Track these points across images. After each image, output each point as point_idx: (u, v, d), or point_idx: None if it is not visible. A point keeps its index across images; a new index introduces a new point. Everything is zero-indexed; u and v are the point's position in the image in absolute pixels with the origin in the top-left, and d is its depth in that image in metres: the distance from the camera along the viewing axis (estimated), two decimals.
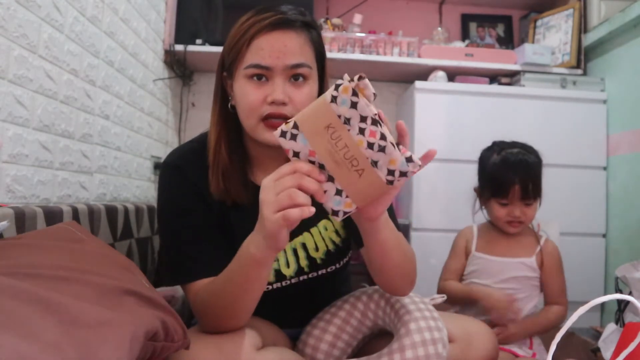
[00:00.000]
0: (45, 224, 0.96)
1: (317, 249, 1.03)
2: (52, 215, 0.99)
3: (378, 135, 0.70)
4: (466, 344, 1.00)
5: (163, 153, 2.02)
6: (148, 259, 1.54)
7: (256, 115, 0.89)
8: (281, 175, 0.71)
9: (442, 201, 2.03)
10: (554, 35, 2.29)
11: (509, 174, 1.35)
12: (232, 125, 0.96)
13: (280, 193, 0.70)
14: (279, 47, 0.87)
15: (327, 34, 2.17)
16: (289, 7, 0.91)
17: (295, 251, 1.01)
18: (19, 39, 1.03)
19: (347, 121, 0.70)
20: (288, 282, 1.02)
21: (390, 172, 0.71)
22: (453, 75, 2.23)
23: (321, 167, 0.72)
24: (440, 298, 1.16)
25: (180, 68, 2.18)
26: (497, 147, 1.43)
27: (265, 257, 0.78)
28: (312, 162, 0.72)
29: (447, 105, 2.06)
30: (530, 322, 1.37)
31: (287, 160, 0.74)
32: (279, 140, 0.73)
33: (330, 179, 0.72)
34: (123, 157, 1.61)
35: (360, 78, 0.70)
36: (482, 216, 1.49)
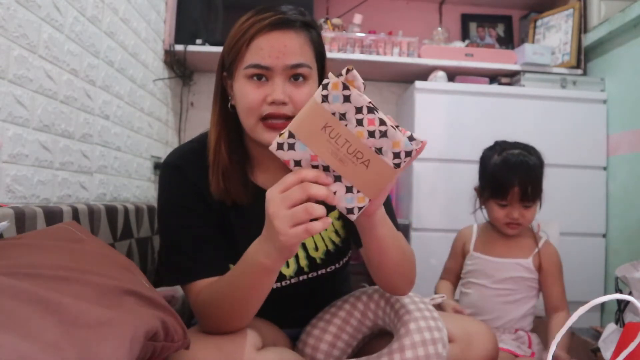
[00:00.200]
0: (45, 224, 0.96)
1: (316, 249, 1.03)
2: (52, 215, 0.99)
3: (377, 122, 0.70)
4: (466, 344, 1.00)
5: (163, 153, 2.02)
6: (148, 259, 1.54)
7: (256, 115, 0.89)
8: (287, 186, 0.70)
9: (442, 201, 2.03)
10: (554, 35, 2.29)
11: (508, 175, 1.34)
12: (232, 125, 0.96)
13: (293, 207, 0.70)
14: (279, 47, 0.87)
15: (327, 34, 2.17)
16: (288, 7, 0.91)
17: None
18: (19, 39, 1.03)
19: (343, 116, 0.70)
20: (288, 282, 1.02)
21: (396, 155, 0.70)
22: (453, 75, 2.23)
23: (325, 169, 0.72)
24: (440, 298, 1.16)
25: (180, 68, 2.18)
26: (499, 147, 1.42)
27: (275, 265, 0.78)
28: (316, 167, 0.72)
29: (447, 105, 2.06)
30: (561, 346, 1.30)
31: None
32: (276, 154, 0.72)
33: (337, 178, 0.72)
34: (123, 157, 1.61)
35: (347, 71, 0.70)
36: (482, 216, 1.49)
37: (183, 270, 0.93)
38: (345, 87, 0.70)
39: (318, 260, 1.03)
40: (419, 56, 2.21)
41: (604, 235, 2.06)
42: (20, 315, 0.52)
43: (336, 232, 1.04)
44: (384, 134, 0.70)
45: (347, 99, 0.70)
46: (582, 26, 2.20)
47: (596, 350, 1.28)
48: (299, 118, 0.72)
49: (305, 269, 1.03)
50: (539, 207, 1.40)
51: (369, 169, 0.71)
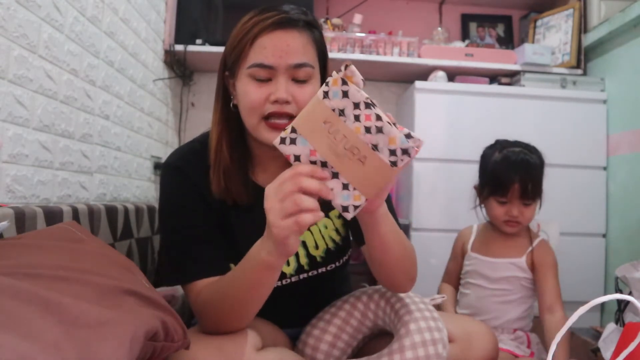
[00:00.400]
0: (45, 224, 0.96)
1: (317, 247, 1.03)
2: (52, 215, 0.99)
3: (373, 117, 0.70)
4: (466, 344, 1.00)
5: (163, 153, 2.02)
6: (148, 259, 1.54)
7: (258, 113, 0.89)
8: (282, 181, 0.72)
9: (442, 201, 2.03)
10: (554, 35, 2.29)
11: (509, 172, 1.35)
12: (234, 124, 0.97)
13: (284, 199, 0.70)
14: (282, 47, 0.87)
15: (327, 34, 2.17)
16: (291, 7, 0.92)
17: None
18: (19, 39, 1.03)
19: (342, 112, 0.71)
20: (288, 280, 1.02)
21: (392, 152, 0.70)
22: (453, 75, 2.23)
23: (324, 165, 0.72)
24: (440, 298, 1.16)
25: (180, 68, 2.18)
26: (500, 145, 1.43)
27: (277, 262, 0.78)
28: (314, 162, 0.72)
29: (447, 105, 2.06)
30: (564, 349, 1.28)
31: (289, 161, 0.74)
32: (279, 148, 0.73)
33: (335, 175, 0.72)
34: (123, 157, 1.61)
35: (346, 67, 0.70)
36: (482, 215, 1.49)
37: (183, 270, 0.93)
38: (344, 82, 0.70)
39: (318, 259, 1.03)
40: (419, 56, 2.21)
41: (604, 235, 2.06)
42: (20, 315, 0.52)
43: (337, 230, 1.05)
44: (379, 130, 0.70)
45: (345, 94, 0.70)
46: (582, 26, 2.20)
47: (596, 350, 1.28)
48: (302, 114, 0.73)
49: (306, 267, 1.03)
50: (538, 207, 1.40)
51: (365, 166, 0.71)
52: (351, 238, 1.09)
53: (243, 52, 0.89)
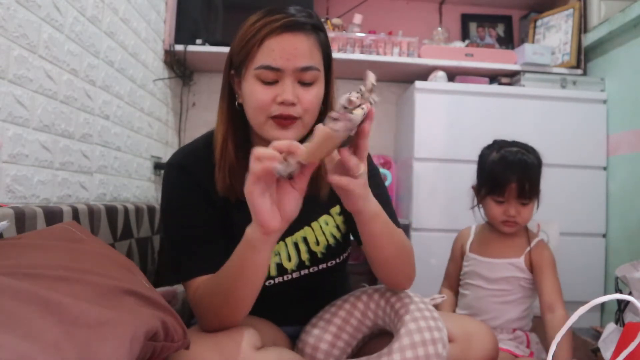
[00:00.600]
0: (45, 224, 0.96)
1: (317, 243, 1.05)
2: (52, 215, 0.99)
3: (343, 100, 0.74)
4: (466, 343, 1.00)
5: (163, 153, 2.02)
6: (148, 259, 1.54)
7: (265, 114, 0.91)
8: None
9: (442, 201, 2.03)
10: (554, 35, 2.29)
11: (506, 172, 1.35)
12: (239, 123, 0.98)
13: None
14: (290, 50, 0.89)
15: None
16: (297, 9, 0.93)
17: (296, 245, 1.03)
18: (19, 39, 1.03)
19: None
20: (289, 276, 1.03)
21: (332, 118, 0.73)
22: (453, 75, 2.23)
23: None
24: (440, 298, 1.16)
25: (180, 68, 2.18)
26: (497, 145, 1.43)
27: (257, 239, 0.80)
28: None
29: (447, 105, 2.06)
30: (566, 349, 1.27)
31: None
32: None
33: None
34: (123, 157, 1.61)
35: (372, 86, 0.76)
36: (480, 216, 1.49)
37: (184, 269, 0.94)
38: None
39: (319, 255, 1.05)
40: (419, 56, 2.21)
41: (604, 235, 2.06)
42: (20, 315, 0.52)
43: (337, 227, 1.07)
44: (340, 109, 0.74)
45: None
46: (582, 26, 2.20)
47: (596, 350, 1.28)
48: (312, 148, 0.74)
49: (307, 263, 1.04)
50: (536, 207, 1.40)
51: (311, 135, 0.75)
52: (351, 238, 1.09)
53: (250, 53, 0.90)
